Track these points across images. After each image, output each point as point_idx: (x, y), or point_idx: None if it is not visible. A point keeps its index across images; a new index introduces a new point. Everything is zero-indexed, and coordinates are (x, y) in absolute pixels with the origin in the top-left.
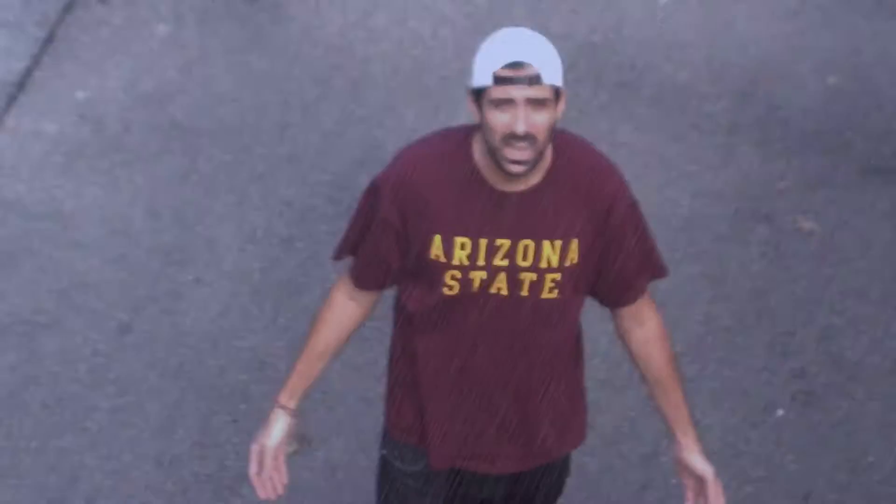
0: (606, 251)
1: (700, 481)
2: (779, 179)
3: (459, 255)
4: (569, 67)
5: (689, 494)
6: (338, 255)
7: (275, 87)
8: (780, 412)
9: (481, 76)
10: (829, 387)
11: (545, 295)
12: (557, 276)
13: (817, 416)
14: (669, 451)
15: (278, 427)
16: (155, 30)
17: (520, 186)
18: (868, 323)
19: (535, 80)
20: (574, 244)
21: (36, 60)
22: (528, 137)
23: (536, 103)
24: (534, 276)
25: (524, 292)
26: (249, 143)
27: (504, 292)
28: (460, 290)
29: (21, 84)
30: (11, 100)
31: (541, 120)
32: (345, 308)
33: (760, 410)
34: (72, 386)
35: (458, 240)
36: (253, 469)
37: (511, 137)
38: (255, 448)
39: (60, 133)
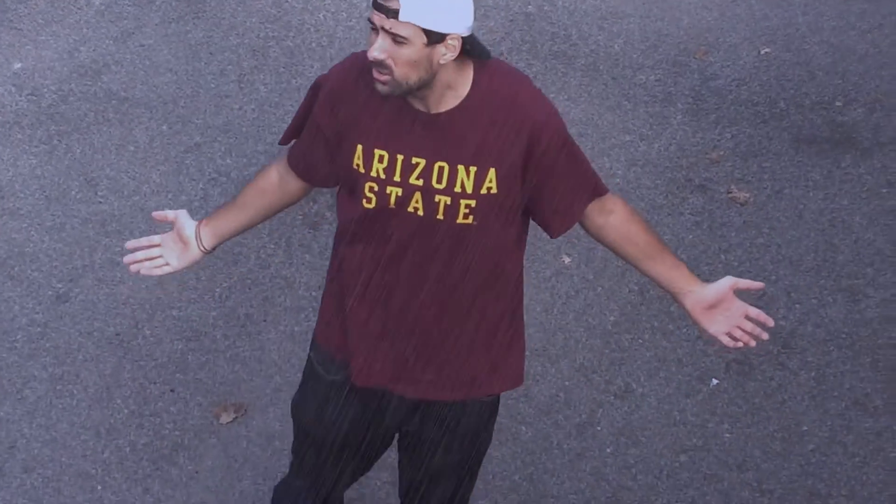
0: (538, 182)
1: (729, 295)
2: (712, 149)
3: (377, 168)
4: (503, 37)
5: (731, 331)
6: (283, 140)
7: (211, 57)
8: (715, 382)
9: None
10: (764, 357)
11: (460, 220)
12: (472, 202)
13: (752, 386)
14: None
15: (185, 227)
16: (91, 0)
17: (436, 108)
18: (801, 292)
19: (392, 13)
20: (492, 172)
21: None
22: (379, 63)
23: (396, 37)
24: (448, 199)
25: (440, 215)
26: (186, 114)
27: (420, 213)
28: (377, 203)
29: None
30: None
31: (400, 53)
32: (270, 179)
33: (695, 380)
34: (9, 355)
35: (377, 152)
36: (141, 243)
37: (371, 61)
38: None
39: None
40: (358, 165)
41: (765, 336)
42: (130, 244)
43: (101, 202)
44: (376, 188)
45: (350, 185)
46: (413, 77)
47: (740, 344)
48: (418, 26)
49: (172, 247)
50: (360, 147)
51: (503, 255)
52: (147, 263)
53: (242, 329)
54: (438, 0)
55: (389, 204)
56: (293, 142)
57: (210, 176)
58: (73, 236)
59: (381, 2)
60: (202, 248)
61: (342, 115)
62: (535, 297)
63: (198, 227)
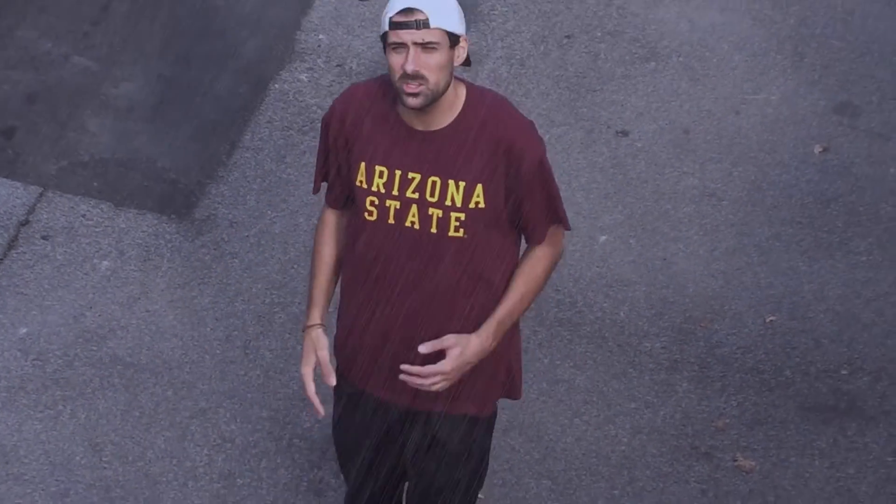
0: (514, 200)
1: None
2: (718, 417)
3: (377, 183)
4: None
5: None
6: (315, 188)
7: (217, 323)
8: None
9: (383, 23)
10: None
11: (451, 233)
12: (462, 215)
13: None
14: None
15: (308, 348)
16: (98, 266)
17: (431, 126)
18: None
19: (423, 24)
20: (479, 188)
21: None
22: (417, 76)
23: (426, 46)
24: (440, 212)
25: (433, 228)
26: (191, 379)
27: (416, 226)
28: (378, 216)
29: None
30: None
31: (431, 61)
32: (336, 223)
33: None
34: None
35: (378, 168)
36: (310, 389)
37: (405, 76)
38: (305, 372)
39: (2, 368)
40: (361, 182)
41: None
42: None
43: (105, 467)
44: (377, 202)
45: (355, 201)
46: (442, 82)
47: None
48: (445, 30)
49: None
50: (362, 164)
51: (494, 267)
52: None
53: None
54: (452, 4)
55: (389, 218)
56: (324, 186)
57: (215, 442)
58: (76, 502)
59: (406, 18)
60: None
61: (348, 136)
62: None
63: (319, 331)
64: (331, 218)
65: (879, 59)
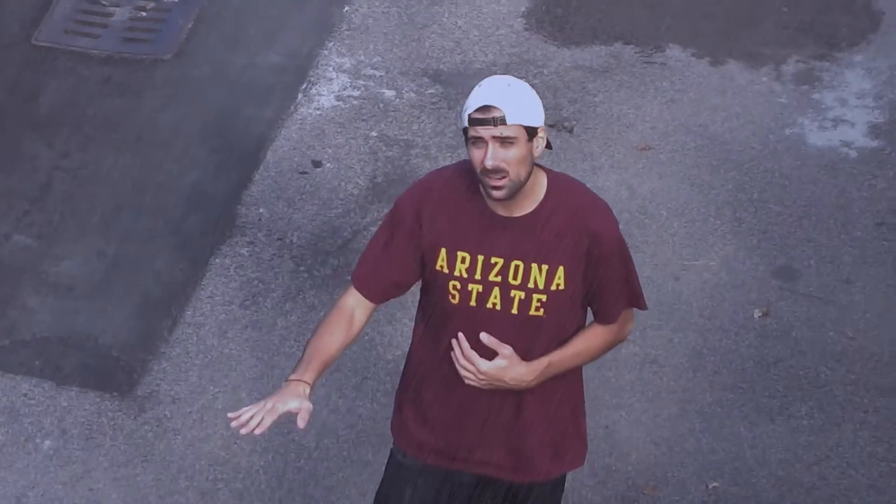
0: (592, 279)
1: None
2: None
3: (460, 268)
4: None
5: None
6: (359, 273)
7: (160, 500)
8: None
9: (462, 119)
10: None
11: (532, 312)
12: (543, 297)
13: None
14: None
15: (295, 393)
16: (40, 445)
17: (515, 213)
18: None
19: (499, 121)
20: (560, 271)
21: None
22: (498, 170)
23: (504, 140)
24: (522, 294)
25: (514, 309)
26: None
27: (498, 308)
28: (460, 299)
29: None
30: None
31: (510, 155)
32: (353, 316)
33: None
34: None
35: (460, 254)
36: (282, 409)
37: (485, 170)
38: (277, 407)
39: None
40: (441, 267)
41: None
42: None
43: None
44: (459, 286)
45: (433, 286)
46: (523, 173)
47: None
48: (521, 125)
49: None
50: (443, 250)
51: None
52: (253, 422)
53: None
54: (527, 99)
55: (471, 301)
56: (362, 274)
57: None
58: None
59: (484, 115)
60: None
61: (427, 217)
62: None
63: (305, 389)
64: (351, 307)
65: (817, 223)
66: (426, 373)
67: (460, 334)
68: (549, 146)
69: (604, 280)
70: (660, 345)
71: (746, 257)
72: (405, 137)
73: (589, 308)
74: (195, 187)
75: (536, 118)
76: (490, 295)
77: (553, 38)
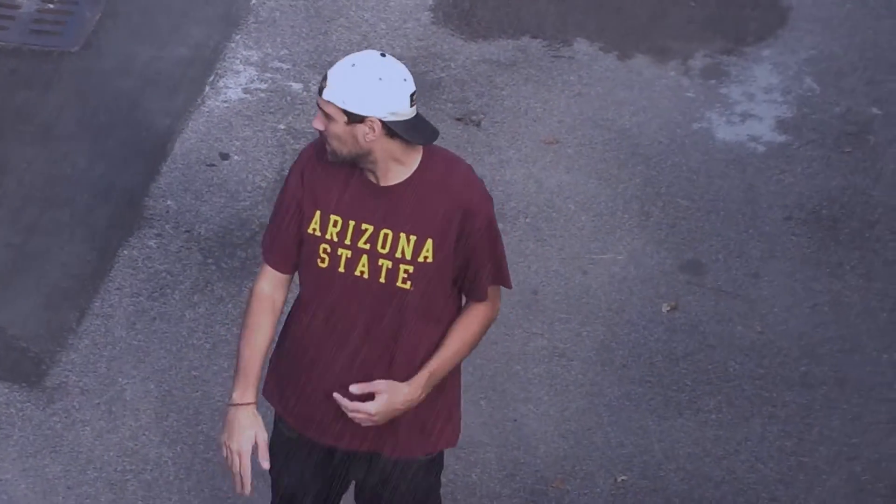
0: (463, 257)
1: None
2: None
3: (332, 231)
4: None
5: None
6: (264, 249)
7: (69, 491)
8: None
9: None
10: None
11: (399, 284)
12: (410, 268)
13: None
14: None
15: (247, 424)
16: None
17: (387, 181)
18: None
19: (321, 91)
20: (429, 243)
21: None
22: (321, 134)
23: (325, 113)
24: (389, 263)
25: (382, 279)
26: None
27: (366, 276)
28: (329, 263)
29: None
30: None
31: (329, 128)
32: (274, 299)
33: None
34: None
35: (333, 217)
36: (246, 466)
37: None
38: (243, 449)
39: None
40: (314, 230)
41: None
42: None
43: None
44: (329, 250)
45: (307, 248)
46: (343, 150)
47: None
48: (336, 105)
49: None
50: (318, 213)
51: (435, 321)
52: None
53: None
54: (358, 85)
55: (339, 266)
56: (268, 253)
57: None
58: None
59: (321, 82)
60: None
61: (308, 183)
62: None
63: (254, 410)
64: (268, 292)
65: (725, 217)
66: (297, 342)
67: (336, 395)
68: (413, 139)
69: (472, 255)
70: (568, 338)
71: (654, 251)
72: (313, 130)
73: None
74: (103, 179)
75: (360, 106)
76: (359, 262)
77: (460, 31)
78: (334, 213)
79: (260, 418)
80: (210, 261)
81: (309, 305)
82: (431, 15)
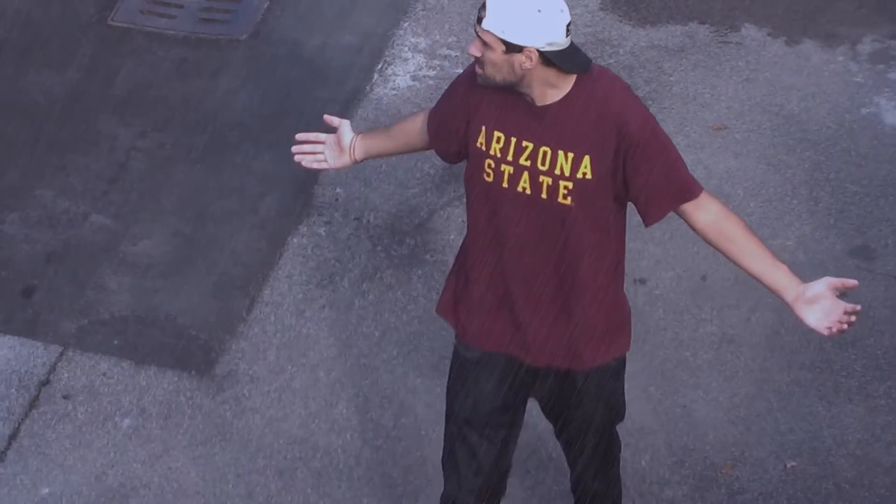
0: (628, 174)
1: (827, 293)
2: None
3: (495, 147)
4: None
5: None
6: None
7: (238, 479)
8: None
9: None
10: None
11: (560, 200)
12: (570, 184)
13: None
14: None
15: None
16: (119, 424)
17: (545, 101)
18: None
19: (480, 20)
20: (586, 159)
21: (0, 458)
22: (476, 59)
23: (483, 41)
24: (549, 180)
25: (543, 195)
26: None
27: (528, 192)
28: (494, 178)
29: None
30: None
31: (486, 55)
32: (415, 123)
33: None
34: None
35: (496, 133)
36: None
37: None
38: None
39: None
40: (481, 144)
41: (853, 320)
42: (300, 136)
43: None
44: (493, 165)
45: (473, 160)
46: (497, 76)
47: (835, 332)
48: (494, 35)
49: (333, 147)
50: (483, 128)
51: (600, 235)
52: (309, 157)
53: None
54: (518, 16)
55: (503, 181)
56: (434, 113)
57: None
58: None
59: (480, 11)
60: (353, 158)
61: (473, 100)
62: None
63: (353, 139)
64: (420, 123)
65: (894, 202)
66: (470, 256)
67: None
68: (571, 68)
69: (642, 172)
70: (737, 324)
71: (823, 237)
72: None
73: (639, 208)
74: (271, 167)
75: (519, 37)
76: (521, 178)
77: (628, 17)
78: (497, 130)
79: (351, 147)
80: (379, 248)
81: (478, 220)
82: (599, 1)
